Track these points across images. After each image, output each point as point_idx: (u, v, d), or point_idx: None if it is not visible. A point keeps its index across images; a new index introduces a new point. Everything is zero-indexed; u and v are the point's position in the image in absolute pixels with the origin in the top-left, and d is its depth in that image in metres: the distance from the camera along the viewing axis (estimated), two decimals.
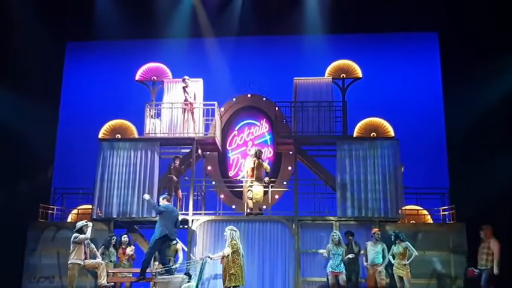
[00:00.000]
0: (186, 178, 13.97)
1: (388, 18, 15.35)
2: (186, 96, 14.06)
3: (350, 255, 11.81)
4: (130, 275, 11.89)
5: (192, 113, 14.08)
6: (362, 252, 12.21)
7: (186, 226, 13.19)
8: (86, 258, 11.25)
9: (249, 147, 14.91)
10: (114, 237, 12.50)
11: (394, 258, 11.64)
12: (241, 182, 13.96)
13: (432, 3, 15.39)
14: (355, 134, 13.77)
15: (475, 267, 11.51)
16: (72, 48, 17.16)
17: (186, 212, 13.31)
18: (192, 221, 13.18)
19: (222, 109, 15.15)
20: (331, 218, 13.08)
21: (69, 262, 11.19)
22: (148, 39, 16.52)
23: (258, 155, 13.48)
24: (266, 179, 13.41)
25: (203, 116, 14.27)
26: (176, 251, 12.24)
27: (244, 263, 11.03)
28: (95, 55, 16.99)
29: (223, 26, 16.10)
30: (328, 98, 14.03)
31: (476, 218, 12.73)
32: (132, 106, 14.86)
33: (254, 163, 13.35)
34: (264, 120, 15.19)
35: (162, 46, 16.06)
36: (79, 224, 11.47)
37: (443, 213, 13.57)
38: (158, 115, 14.34)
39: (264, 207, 13.86)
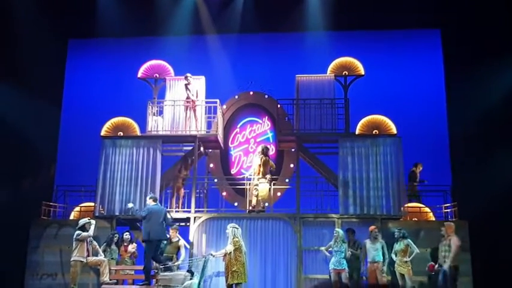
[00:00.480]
0: (189, 176, 13.96)
1: (390, 15, 15.33)
2: (188, 94, 14.06)
3: (351, 251, 11.80)
4: (133, 272, 11.90)
5: (194, 111, 14.08)
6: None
7: (187, 223, 13.21)
8: (88, 256, 11.28)
9: (251, 145, 14.92)
10: (117, 235, 12.54)
11: (396, 255, 11.65)
12: (243, 179, 13.95)
13: (435, 0, 15.36)
14: (357, 132, 13.75)
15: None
16: (74, 45, 17.17)
17: (188, 210, 13.32)
18: (195, 218, 13.19)
19: (224, 107, 15.14)
20: (333, 215, 13.08)
21: (71, 259, 11.23)
22: (150, 37, 16.50)
23: (265, 152, 13.45)
24: (268, 176, 13.40)
25: (205, 114, 14.27)
26: (178, 248, 12.24)
27: (246, 260, 11.06)
28: (97, 53, 16.98)
29: (225, 24, 16.09)
30: (331, 95, 14.02)
31: (478, 215, 12.74)
32: (134, 104, 14.86)
33: (261, 160, 13.33)
34: (266, 117, 15.19)
35: (164, 43, 16.04)
36: (81, 221, 11.51)
37: (446, 210, 13.55)
38: (160, 112, 14.33)
39: (266, 204, 13.86)
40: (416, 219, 13.53)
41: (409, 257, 11.50)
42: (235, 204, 14.58)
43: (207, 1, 16.46)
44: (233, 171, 14.96)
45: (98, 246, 11.68)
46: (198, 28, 16.22)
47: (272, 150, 14.90)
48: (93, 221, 11.56)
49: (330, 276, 11.77)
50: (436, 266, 11.54)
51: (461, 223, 12.89)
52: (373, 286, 11.65)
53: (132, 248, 12.56)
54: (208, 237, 13.05)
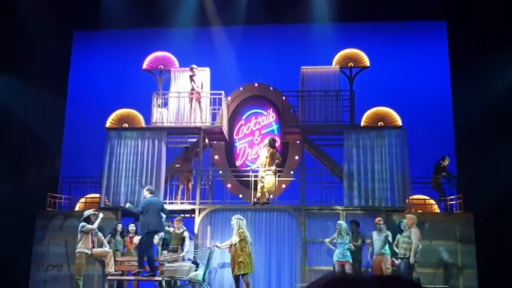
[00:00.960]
0: (192, 169, 13.92)
1: (396, 7, 15.24)
2: (193, 85, 14.05)
3: (352, 244, 11.79)
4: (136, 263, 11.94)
5: (199, 102, 14.07)
6: (367, 241, 12.21)
7: (192, 215, 13.23)
8: (93, 247, 11.32)
9: (256, 137, 14.92)
10: (120, 225, 12.54)
11: (397, 247, 11.64)
12: (248, 171, 13.94)
13: None
14: (362, 124, 13.73)
15: None
16: (80, 37, 17.15)
17: (193, 201, 13.34)
18: (200, 210, 13.21)
19: (229, 98, 15.12)
20: (338, 207, 13.08)
21: (76, 251, 11.28)
22: (155, 28, 16.48)
23: (272, 144, 13.42)
24: (273, 168, 13.39)
25: (210, 105, 14.26)
26: (183, 239, 12.27)
27: (252, 251, 11.10)
28: (102, 44, 16.96)
29: (230, 15, 16.03)
30: (336, 87, 13.99)
31: (484, 207, 12.71)
32: (139, 95, 14.85)
33: (268, 152, 13.31)
34: (271, 109, 15.17)
35: (169, 35, 16.00)
36: (87, 212, 11.54)
37: (451, 202, 13.53)
38: (165, 104, 14.34)
39: (271, 196, 13.87)
40: (421, 211, 13.51)
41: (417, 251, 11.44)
42: (240, 196, 14.60)
43: None
44: (238, 163, 14.97)
45: (103, 238, 11.72)
46: (203, 19, 16.17)
47: (277, 142, 14.89)
48: (100, 214, 11.61)
49: (334, 268, 11.78)
50: (398, 260, 11.53)
51: (467, 215, 12.89)
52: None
53: (137, 239, 12.59)
54: (213, 229, 13.08)
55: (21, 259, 13.31)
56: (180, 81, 14.52)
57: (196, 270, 11.24)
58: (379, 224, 11.84)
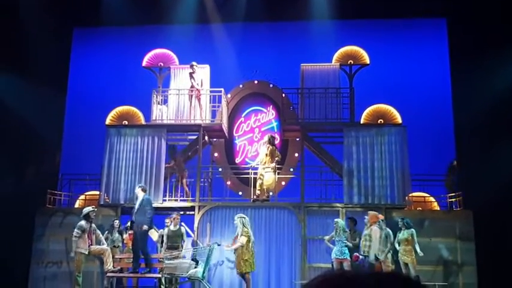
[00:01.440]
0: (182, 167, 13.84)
1: (395, 4, 15.22)
2: (192, 83, 14.04)
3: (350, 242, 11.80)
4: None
5: (199, 100, 14.06)
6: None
7: (192, 212, 13.23)
8: (91, 244, 11.30)
9: (256, 134, 14.92)
10: (117, 222, 12.47)
11: (399, 244, 11.64)
12: (248, 168, 13.94)
13: None
14: (362, 121, 13.72)
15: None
16: (80, 34, 17.12)
17: (193, 199, 13.34)
18: (199, 207, 13.21)
19: (229, 95, 15.12)
20: (338, 204, 13.08)
21: (74, 250, 11.26)
22: (155, 25, 16.46)
23: (271, 142, 13.41)
24: (273, 165, 13.38)
25: (210, 103, 14.26)
26: (182, 236, 12.24)
27: (254, 249, 11.17)
28: (102, 41, 16.95)
29: (230, 12, 16.01)
30: (336, 84, 13.99)
31: (483, 205, 12.71)
32: (139, 92, 14.85)
33: (267, 149, 13.31)
34: (271, 106, 15.17)
35: (169, 32, 15.99)
36: (86, 209, 11.48)
37: (450, 200, 13.53)
38: (165, 101, 14.34)
39: (271, 193, 13.88)
40: (420, 208, 13.52)
41: (413, 252, 11.43)
42: (240, 193, 14.60)
43: None
44: (238, 160, 14.97)
45: (101, 235, 11.70)
46: (203, 17, 16.15)
47: (277, 140, 14.89)
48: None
49: (332, 265, 11.79)
50: (361, 256, 11.56)
51: (466, 213, 12.90)
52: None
53: None
54: (213, 226, 13.09)
55: (21, 256, 13.31)
56: (180, 78, 14.52)
57: (196, 267, 11.25)
58: (378, 222, 11.82)
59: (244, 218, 11.38)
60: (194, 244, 12.57)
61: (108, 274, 11.49)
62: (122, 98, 14.80)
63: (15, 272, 13.36)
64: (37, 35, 14.59)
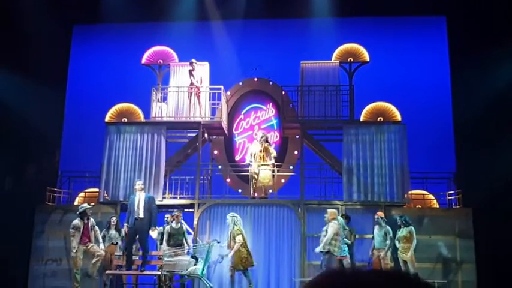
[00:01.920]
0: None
1: (395, 1, 15.20)
2: (192, 80, 14.03)
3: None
4: (137, 258, 11.95)
5: (199, 97, 14.06)
6: (368, 236, 12.23)
7: (192, 210, 13.23)
8: (89, 241, 11.30)
9: (256, 132, 14.90)
10: (114, 219, 12.42)
11: (399, 242, 11.64)
12: (247, 166, 13.91)
13: None
14: (361, 119, 13.72)
15: None
16: (79, 31, 17.11)
17: (193, 196, 13.34)
18: (199, 204, 13.22)
19: (229, 93, 15.10)
20: (337, 202, 13.08)
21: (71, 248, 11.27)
22: (154, 22, 16.44)
23: (266, 139, 13.41)
24: (269, 162, 13.38)
25: (209, 100, 14.25)
26: (183, 233, 12.22)
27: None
28: (101, 38, 16.93)
29: (230, 9, 15.99)
30: (335, 82, 13.98)
31: (483, 202, 12.73)
32: (139, 90, 14.83)
33: (262, 146, 13.30)
34: (271, 104, 15.15)
35: (168, 29, 15.98)
36: (83, 206, 11.45)
37: (450, 197, 13.55)
38: (164, 99, 14.33)
39: (270, 191, 13.88)
40: (420, 206, 13.53)
41: (412, 249, 11.41)
42: (239, 190, 14.59)
43: None
44: (237, 157, 14.95)
45: (98, 232, 11.68)
46: (203, 14, 16.14)
47: (276, 137, 14.89)
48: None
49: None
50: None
51: (466, 210, 12.91)
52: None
53: None
54: (212, 224, 13.09)
55: (20, 253, 13.32)
56: (180, 75, 14.50)
57: (195, 264, 11.26)
58: (378, 219, 11.82)
59: (236, 217, 11.48)
60: (194, 241, 12.57)
61: (107, 272, 11.51)
62: (121, 95, 14.78)
63: (15, 269, 13.37)
64: (36, 32, 14.57)
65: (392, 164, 13.15)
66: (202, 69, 14.37)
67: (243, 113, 15.18)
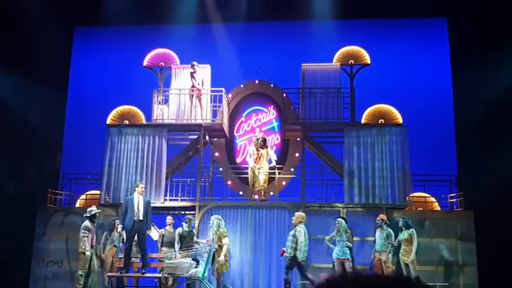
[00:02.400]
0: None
1: (397, 3, 15.20)
2: (193, 82, 14.04)
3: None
4: (138, 260, 11.95)
5: (200, 99, 14.06)
6: (359, 239, 12.26)
7: (193, 212, 13.23)
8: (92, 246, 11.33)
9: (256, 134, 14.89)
10: (117, 221, 12.41)
11: (400, 245, 11.60)
12: (248, 168, 13.89)
13: None
14: (363, 121, 13.71)
15: None
16: (81, 33, 17.13)
17: (194, 198, 13.34)
18: (200, 207, 13.21)
19: (230, 95, 15.12)
20: (338, 204, 13.08)
21: (80, 250, 11.27)
22: (156, 25, 16.46)
23: (262, 143, 13.37)
24: (273, 164, 13.37)
25: (211, 102, 14.26)
26: (193, 237, 12.17)
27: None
28: (103, 40, 16.96)
29: (231, 12, 16.01)
30: (336, 84, 13.98)
31: (484, 205, 12.71)
32: (140, 92, 14.86)
33: (258, 150, 13.27)
34: (272, 106, 15.16)
35: (170, 32, 15.99)
36: (92, 210, 11.44)
37: (451, 200, 13.53)
38: (166, 101, 14.34)
39: (271, 193, 13.88)
40: (421, 208, 13.51)
41: (412, 253, 11.36)
42: (241, 193, 14.59)
43: None
44: (238, 160, 14.96)
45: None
46: (204, 16, 16.16)
47: (277, 140, 14.90)
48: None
49: (333, 266, 11.75)
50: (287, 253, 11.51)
51: (467, 213, 12.89)
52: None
53: None
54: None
55: (21, 255, 13.32)
56: (181, 78, 14.52)
57: (196, 267, 11.25)
58: (379, 221, 11.78)
59: (221, 220, 11.55)
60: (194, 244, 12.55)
61: (109, 274, 11.50)
62: (123, 98, 14.80)
63: (16, 271, 13.36)
64: (38, 34, 14.59)
65: (394, 166, 13.14)
66: (204, 72, 14.38)
67: (244, 115, 15.19)
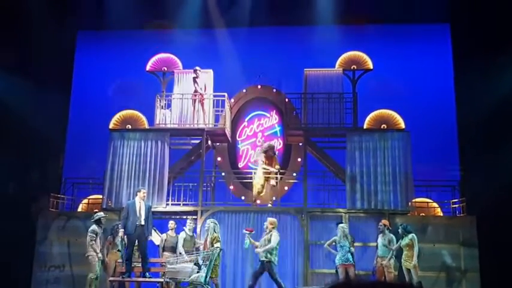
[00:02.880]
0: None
1: (399, 9, 15.21)
2: (196, 87, 14.05)
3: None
4: (140, 265, 11.93)
5: (202, 104, 14.08)
6: (371, 244, 12.21)
7: (195, 217, 13.22)
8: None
9: (259, 139, 14.90)
10: (120, 225, 12.38)
11: (403, 250, 11.56)
12: (251, 173, 13.91)
13: None
14: (365, 126, 13.71)
15: None
16: (83, 37, 17.15)
17: (196, 203, 13.34)
18: (202, 211, 13.20)
19: (232, 100, 15.13)
20: (341, 210, 13.06)
21: (88, 254, 11.28)
22: (159, 30, 16.48)
23: (273, 150, 13.49)
24: (275, 168, 13.40)
25: (213, 107, 14.28)
26: (194, 243, 12.12)
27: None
28: (105, 45, 16.97)
29: (234, 17, 16.03)
30: (339, 89, 13.99)
31: (487, 210, 12.67)
32: (143, 97, 14.88)
33: (265, 156, 13.37)
34: (274, 111, 15.16)
35: (172, 37, 16.01)
36: (97, 215, 11.50)
37: (454, 206, 13.50)
38: (168, 106, 14.35)
39: (274, 198, 13.87)
40: (423, 214, 13.49)
41: (414, 258, 11.29)
42: (243, 198, 14.57)
43: None
44: (240, 164, 14.96)
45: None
46: (207, 21, 16.18)
47: (280, 144, 14.89)
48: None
49: (336, 271, 11.70)
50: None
51: (469, 218, 12.85)
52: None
53: None
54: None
55: (23, 259, 13.31)
56: (184, 83, 14.53)
57: (198, 272, 11.22)
58: (381, 226, 11.75)
59: (217, 224, 11.55)
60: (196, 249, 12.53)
61: (110, 279, 11.50)
62: (125, 102, 14.82)
63: (18, 275, 13.34)
64: (41, 37, 14.63)
65: (396, 171, 13.13)
66: (206, 77, 14.40)
67: (246, 120, 15.20)
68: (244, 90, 15.38)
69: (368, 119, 13.75)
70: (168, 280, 11.05)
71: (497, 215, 12.85)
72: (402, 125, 13.58)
